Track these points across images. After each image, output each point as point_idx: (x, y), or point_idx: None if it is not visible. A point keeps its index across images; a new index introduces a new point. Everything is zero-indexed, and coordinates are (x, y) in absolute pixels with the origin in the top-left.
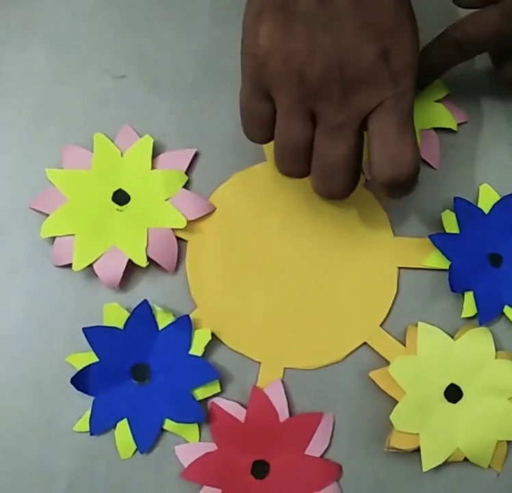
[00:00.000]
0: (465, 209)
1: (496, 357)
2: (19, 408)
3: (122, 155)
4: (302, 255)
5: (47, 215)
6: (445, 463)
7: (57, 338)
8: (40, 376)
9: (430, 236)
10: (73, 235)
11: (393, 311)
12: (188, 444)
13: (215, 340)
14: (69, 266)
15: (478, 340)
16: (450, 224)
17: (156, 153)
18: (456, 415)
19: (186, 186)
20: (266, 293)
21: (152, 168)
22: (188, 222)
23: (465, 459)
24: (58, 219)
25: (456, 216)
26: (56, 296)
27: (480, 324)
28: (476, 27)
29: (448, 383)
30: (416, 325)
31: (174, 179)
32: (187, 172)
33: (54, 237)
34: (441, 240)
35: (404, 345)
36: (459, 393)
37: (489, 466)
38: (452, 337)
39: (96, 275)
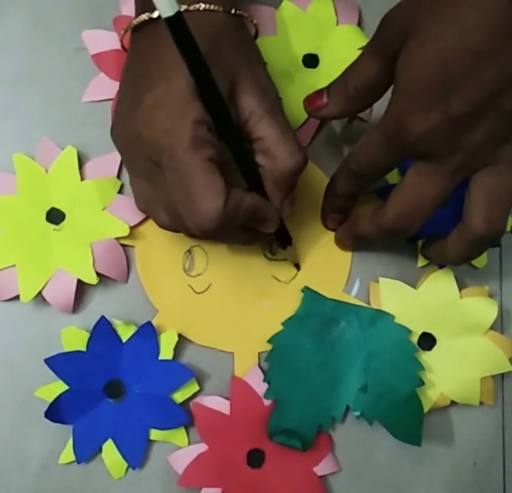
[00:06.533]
0: None
1: (461, 297)
2: None
3: (46, 171)
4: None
5: None
6: (431, 411)
7: (21, 375)
8: (10, 415)
9: (374, 191)
10: (14, 265)
11: (352, 274)
12: (179, 450)
13: (183, 340)
14: (15, 298)
15: (440, 283)
16: (392, 175)
17: (82, 162)
18: (433, 362)
19: (121, 191)
20: (225, 281)
21: (82, 179)
22: (131, 227)
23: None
24: None
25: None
26: (8, 332)
27: (440, 267)
28: (367, 156)
29: (420, 332)
30: (377, 281)
31: (107, 186)
32: (119, 176)
33: None
34: (386, 193)
35: (369, 303)
36: (433, 340)
37: (481, 402)
38: (414, 287)
39: (46, 301)
